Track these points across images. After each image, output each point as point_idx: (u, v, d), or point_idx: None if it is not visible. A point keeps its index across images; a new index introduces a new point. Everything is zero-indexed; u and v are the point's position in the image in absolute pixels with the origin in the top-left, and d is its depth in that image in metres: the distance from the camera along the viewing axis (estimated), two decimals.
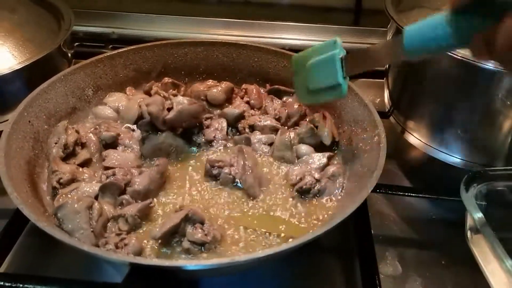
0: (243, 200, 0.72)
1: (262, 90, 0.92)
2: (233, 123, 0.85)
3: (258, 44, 0.93)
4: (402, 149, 0.92)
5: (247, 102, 0.89)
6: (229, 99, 0.90)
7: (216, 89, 0.89)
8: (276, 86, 0.91)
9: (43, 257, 0.71)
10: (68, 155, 0.77)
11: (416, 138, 0.86)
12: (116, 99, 0.88)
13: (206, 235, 0.62)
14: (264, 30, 1.22)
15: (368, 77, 1.10)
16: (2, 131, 0.70)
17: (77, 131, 0.80)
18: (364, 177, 0.66)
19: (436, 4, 0.83)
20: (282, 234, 0.66)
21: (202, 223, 0.64)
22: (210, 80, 0.92)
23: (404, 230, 0.80)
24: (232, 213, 0.70)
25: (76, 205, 0.63)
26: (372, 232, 0.72)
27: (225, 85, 0.90)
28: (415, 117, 0.86)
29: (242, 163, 0.73)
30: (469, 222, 0.67)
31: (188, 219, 0.63)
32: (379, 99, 1.05)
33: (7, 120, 0.72)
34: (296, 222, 0.69)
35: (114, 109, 0.87)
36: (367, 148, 0.72)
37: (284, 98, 0.90)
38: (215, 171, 0.74)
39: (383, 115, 0.87)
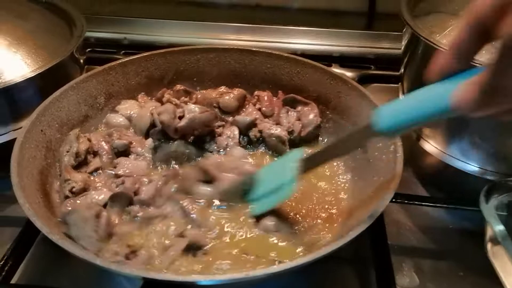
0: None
1: (275, 98, 0.91)
2: (245, 131, 0.84)
3: (271, 50, 0.92)
4: (417, 156, 0.90)
5: (259, 109, 0.88)
6: (241, 106, 0.89)
7: (229, 96, 0.88)
8: (292, 95, 0.89)
9: (55, 267, 0.71)
10: (80, 163, 0.76)
11: (432, 145, 0.84)
12: (128, 107, 0.88)
13: None
14: (275, 35, 1.21)
15: (381, 82, 1.09)
16: (15, 138, 0.70)
17: (89, 139, 0.79)
18: (380, 187, 0.65)
19: (453, 9, 0.81)
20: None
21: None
22: (223, 87, 0.91)
23: (421, 239, 0.78)
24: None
25: (85, 213, 0.63)
26: (388, 242, 0.71)
27: (237, 92, 0.89)
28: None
29: None
30: (489, 233, 0.65)
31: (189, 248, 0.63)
32: None
33: (20, 128, 0.72)
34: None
35: (126, 117, 0.86)
36: (383, 157, 0.70)
37: (299, 108, 0.88)
38: None
39: None
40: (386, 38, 1.19)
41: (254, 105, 0.89)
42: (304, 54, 1.13)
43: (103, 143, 0.80)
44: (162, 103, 0.86)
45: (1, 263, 0.65)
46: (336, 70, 1.07)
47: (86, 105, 0.84)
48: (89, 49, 1.18)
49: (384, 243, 0.70)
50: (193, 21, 1.24)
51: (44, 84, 0.83)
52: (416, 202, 0.76)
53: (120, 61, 0.88)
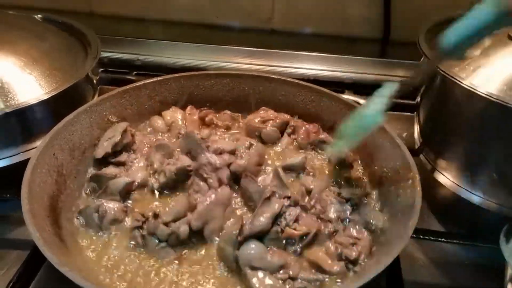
0: None
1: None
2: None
3: (286, 77, 0.91)
4: (432, 188, 0.88)
5: (294, 140, 0.86)
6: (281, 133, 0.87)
7: (271, 124, 0.86)
8: (323, 137, 0.85)
9: None
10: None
11: (446, 178, 0.82)
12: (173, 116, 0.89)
13: None
14: (288, 60, 1.21)
15: (396, 110, 1.08)
16: (27, 159, 0.69)
17: (133, 135, 0.83)
18: (397, 224, 0.63)
19: None
20: None
21: None
22: (263, 109, 0.90)
23: (436, 275, 0.76)
24: None
25: None
26: (403, 278, 0.69)
27: (280, 119, 0.87)
28: (447, 156, 0.83)
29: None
30: (509, 273, 0.63)
31: None
32: (406, 133, 1.02)
33: (32, 149, 0.72)
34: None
35: (167, 124, 0.89)
36: (400, 192, 0.69)
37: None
38: None
39: (413, 152, 0.84)
40: (400, 66, 1.18)
41: (289, 135, 0.87)
42: (317, 80, 1.13)
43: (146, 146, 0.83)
44: (205, 122, 0.88)
45: None
46: (349, 97, 1.07)
47: (99, 129, 0.83)
48: (102, 69, 1.18)
49: (399, 279, 0.68)
50: (206, 44, 1.24)
51: (58, 106, 0.83)
52: (432, 238, 0.74)
53: (134, 84, 0.88)
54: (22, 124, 0.81)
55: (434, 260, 0.78)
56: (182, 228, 0.66)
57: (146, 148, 0.83)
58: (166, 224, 0.66)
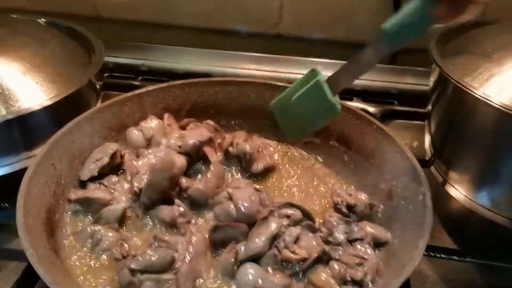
0: None
1: None
2: None
3: (291, 85, 0.89)
4: (443, 201, 0.85)
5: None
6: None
7: (257, 163, 0.82)
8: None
9: None
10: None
11: (458, 191, 0.79)
12: (153, 127, 0.83)
13: None
14: (295, 66, 1.18)
15: (405, 118, 1.06)
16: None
17: (122, 156, 0.79)
18: (407, 242, 0.60)
19: (485, 51, 0.78)
20: None
21: None
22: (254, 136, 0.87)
23: None
24: None
25: None
26: None
27: (270, 159, 0.84)
28: (458, 168, 0.80)
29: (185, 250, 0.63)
30: None
31: None
32: (416, 143, 1.00)
33: (34, 156, 0.70)
34: None
35: (146, 138, 0.82)
36: (410, 208, 0.66)
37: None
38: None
39: (423, 163, 0.81)
40: (410, 73, 1.16)
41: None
42: None
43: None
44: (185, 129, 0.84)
45: None
46: (358, 104, 1.05)
47: (100, 137, 0.81)
48: (107, 74, 1.16)
49: None
50: (213, 49, 1.22)
51: (60, 112, 0.81)
52: (444, 256, 0.71)
53: (136, 92, 0.86)
54: (23, 130, 0.79)
55: (446, 278, 0.74)
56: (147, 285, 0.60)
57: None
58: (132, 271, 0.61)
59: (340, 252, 0.63)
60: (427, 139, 0.89)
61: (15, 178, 0.67)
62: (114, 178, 0.77)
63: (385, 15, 1.14)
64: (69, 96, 0.82)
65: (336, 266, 0.60)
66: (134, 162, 0.78)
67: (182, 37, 1.25)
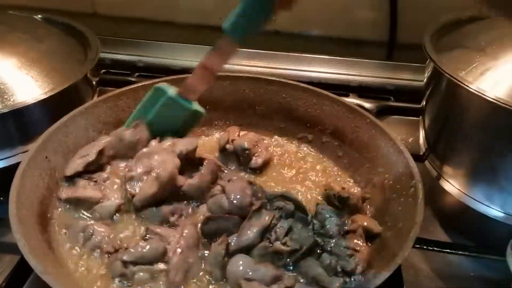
0: None
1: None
2: None
3: (287, 79, 0.89)
4: (437, 196, 0.85)
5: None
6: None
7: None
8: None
9: None
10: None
11: (453, 185, 0.79)
12: None
13: None
14: (292, 62, 1.18)
15: (401, 114, 1.06)
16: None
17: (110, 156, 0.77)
18: (398, 234, 0.61)
19: (479, 45, 0.78)
20: None
21: None
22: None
23: (440, 287, 0.73)
24: None
25: None
26: None
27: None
28: (453, 163, 0.80)
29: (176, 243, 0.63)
30: None
31: None
32: (412, 139, 1.00)
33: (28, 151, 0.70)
34: None
35: None
36: (402, 200, 0.66)
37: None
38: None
39: (418, 158, 0.82)
40: (407, 69, 1.15)
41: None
42: (321, 83, 1.11)
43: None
44: None
45: None
46: (354, 100, 1.05)
47: (95, 131, 0.81)
48: (103, 70, 1.17)
49: None
50: (209, 45, 1.22)
51: (56, 107, 0.81)
52: (436, 249, 0.71)
53: (131, 86, 0.86)
54: (19, 124, 0.79)
55: (438, 271, 0.75)
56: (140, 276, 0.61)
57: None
58: (124, 263, 0.61)
59: (332, 244, 0.63)
60: (421, 134, 0.89)
61: (10, 172, 0.67)
62: (104, 174, 0.75)
63: (382, 11, 1.16)
64: (64, 91, 0.82)
65: (327, 259, 0.60)
66: (125, 163, 0.76)
67: (179, 33, 1.25)
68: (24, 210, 0.62)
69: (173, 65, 1.18)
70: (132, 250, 0.61)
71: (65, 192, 0.72)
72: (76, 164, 0.74)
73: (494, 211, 0.74)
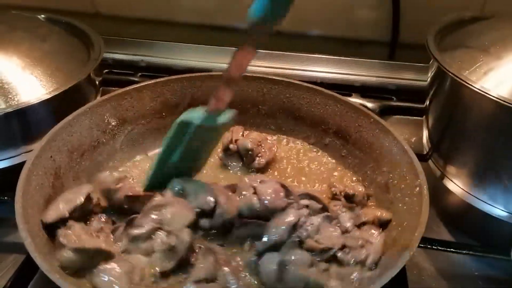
0: None
1: None
2: None
3: (290, 79, 0.89)
4: (441, 195, 0.85)
5: None
6: None
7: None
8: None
9: None
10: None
11: (456, 185, 0.80)
12: None
13: None
14: (295, 62, 1.19)
15: (403, 114, 1.06)
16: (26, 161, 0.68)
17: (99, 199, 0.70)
18: (403, 233, 0.61)
19: (483, 44, 0.78)
20: None
21: None
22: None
23: (444, 286, 0.73)
24: None
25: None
26: None
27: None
28: (457, 163, 0.80)
29: None
30: None
31: None
32: (414, 138, 1.00)
33: (32, 150, 0.70)
34: None
35: None
36: (406, 200, 0.66)
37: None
38: None
39: (421, 157, 0.81)
40: (409, 69, 1.15)
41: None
42: (324, 82, 1.11)
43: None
44: None
45: None
46: (357, 100, 1.05)
47: (99, 130, 0.82)
48: (106, 70, 1.17)
49: None
50: (212, 45, 1.23)
51: (59, 106, 0.82)
52: (440, 248, 0.71)
53: (135, 86, 0.86)
54: (23, 124, 0.79)
55: (442, 271, 0.75)
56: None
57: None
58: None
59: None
60: (425, 133, 0.89)
61: (14, 171, 0.67)
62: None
63: (384, 10, 1.16)
64: (68, 91, 0.82)
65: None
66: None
67: (182, 33, 1.25)
68: (30, 209, 0.62)
69: (175, 65, 1.18)
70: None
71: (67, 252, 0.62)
72: (60, 208, 0.65)
73: (498, 211, 0.74)
